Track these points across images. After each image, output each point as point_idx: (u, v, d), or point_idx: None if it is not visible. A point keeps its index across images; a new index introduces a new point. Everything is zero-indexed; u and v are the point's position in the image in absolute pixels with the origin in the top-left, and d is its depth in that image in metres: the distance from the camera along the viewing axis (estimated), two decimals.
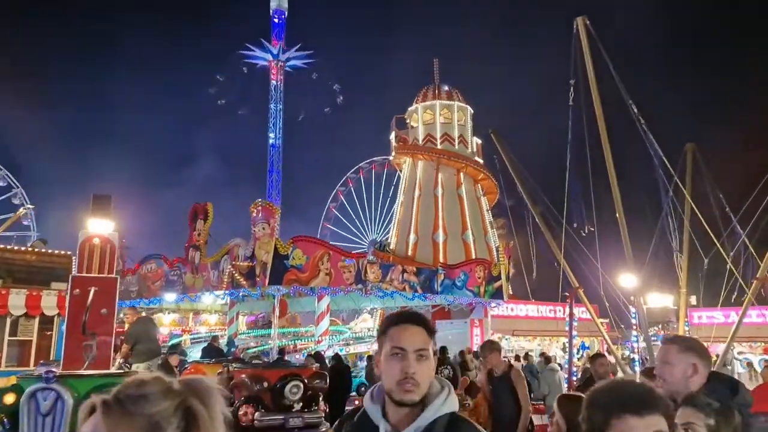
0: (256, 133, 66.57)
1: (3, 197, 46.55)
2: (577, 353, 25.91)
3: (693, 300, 18.40)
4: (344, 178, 46.00)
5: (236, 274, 17.54)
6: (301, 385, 8.91)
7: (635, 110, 13.98)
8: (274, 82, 63.83)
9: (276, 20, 64.14)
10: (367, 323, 34.80)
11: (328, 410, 10.99)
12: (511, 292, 28.67)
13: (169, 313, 25.86)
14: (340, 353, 16.37)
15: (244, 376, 8.99)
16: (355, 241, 47.07)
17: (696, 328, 23.09)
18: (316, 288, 18.46)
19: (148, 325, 12.19)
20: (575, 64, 14.63)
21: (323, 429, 8.85)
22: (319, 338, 21.21)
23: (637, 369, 14.81)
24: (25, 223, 47.29)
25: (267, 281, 16.51)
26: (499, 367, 6.27)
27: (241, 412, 8.50)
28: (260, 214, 16.65)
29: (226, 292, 18.51)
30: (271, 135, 62.98)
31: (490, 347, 6.42)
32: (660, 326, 17.88)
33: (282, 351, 16.63)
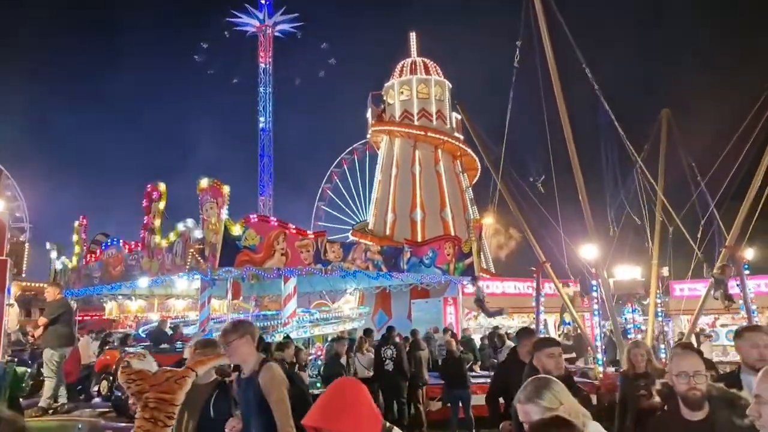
0: (247, 113, 65.89)
1: None
2: (558, 329, 25.33)
3: (665, 271, 17.69)
4: (328, 173, 46.24)
5: (197, 255, 16.97)
6: None
7: (588, 72, 13.22)
8: (263, 65, 63.05)
9: (263, 1, 63.26)
10: (350, 304, 34.37)
11: None
12: (486, 267, 28.07)
13: (136, 299, 25.38)
14: (291, 337, 15.75)
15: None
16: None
17: (678, 300, 22.42)
18: (280, 269, 17.91)
19: (70, 309, 11.59)
20: (526, 23, 13.85)
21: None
22: (286, 320, 20.69)
23: (598, 344, 14.18)
24: (18, 215, 47.44)
25: (217, 263, 15.92)
26: (248, 361, 3.82)
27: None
28: (208, 194, 15.98)
29: (181, 275, 17.93)
30: (261, 119, 62.33)
31: (233, 329, 3.90)
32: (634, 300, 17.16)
33: None
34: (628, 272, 16.14)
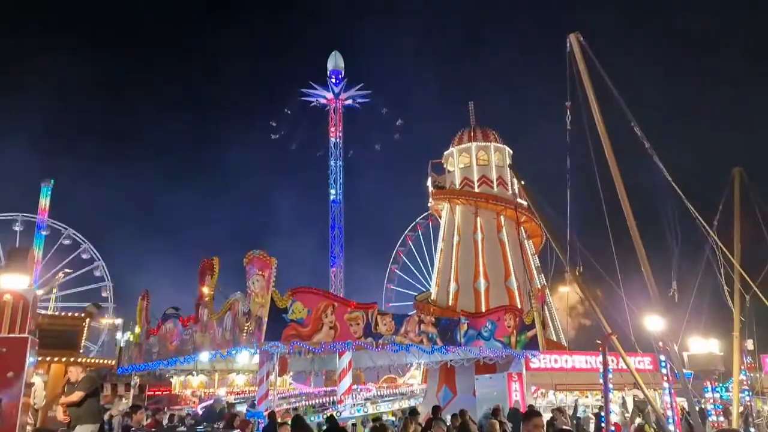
0: (318, 186, 67.82)
1: (86, 269, 49.71)
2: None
3: (749, 344, 15.84)
4: (394, 253, 47.39)
5: (251, 328, 16.75)
6: None
7: (639, 131, 12.39)
8: (333, 139, 65.00)
9: (333, 80, 65.86)
10: (416, 379, 33.14)
11: None
12: (557, 340, 26.49)
13: (197, 374, 25.38)
14: (335, 414, 14.98)
15: None
16: None
17: None
18: (328, 343, 17.38)
19: (98, 385, 11.47)
20: (572, 85, 13.28)
21: None
22: (341, 397, 19.97)
23: (672, 428, 12.66)
24: (104, 294, 50.01)
25: (263, 337, 15.59)
26: None
27: None
28: (254, 266, 15.87)
29: (231, 350, 17.70)
30: (332, 191, 63.68)
31: None
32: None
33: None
34: (703, 345, 14.55)
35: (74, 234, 49.74)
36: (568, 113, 13.95)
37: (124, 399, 25.30)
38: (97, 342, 46.91)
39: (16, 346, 8.82)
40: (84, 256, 50.18)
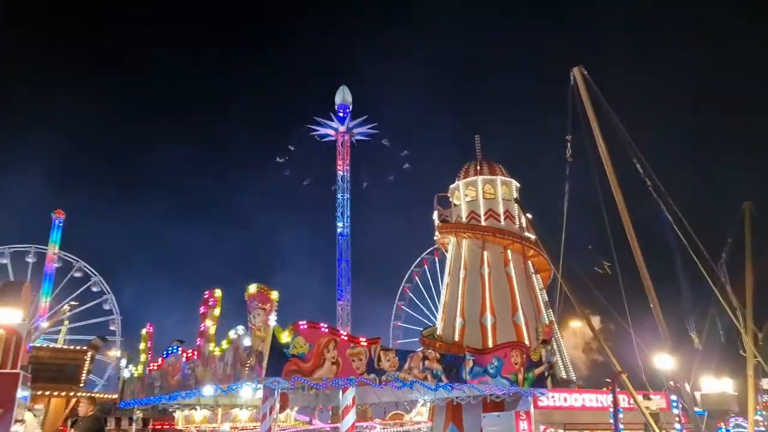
0: (326, 218, 67.97)
1: (95, 302, 49.83)
2: None
3: (765, 383, 15.34)
4: (400, 289, 47.40)
5: (253, 363, 16.48)
6: None
7: (641, 167, 12.24)
8: (341, 172, 65.27)
9: (341, 114, 66.46)
10: (422, 416, 32.48)
11: None
12: (566, 377, 25.93)
13: (201, 409, 24.96)
14: None
15: None
16: None
17: None
18: (330, 379, 17.05)
19: (102, 427, 11.35)
20: (574, 117, 13.21)
21: None
22: None
23: None
24: (112, 328, 50.04)
25: (264, 372, 15.30)
26: None
27: None
28: (255, 300, 15.67)
29: (231, 385, 17.41)
30: (339, 224, 63.68)
31: None
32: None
33: None
34: (716, 385, 14.12)
35: (85, 266, 50.09)
36: (569, 146, 13.89)
37: None
38: (103, 376, 46.66)
39: (7, 381, 8.68)
40: (94, 289, 50.40)
